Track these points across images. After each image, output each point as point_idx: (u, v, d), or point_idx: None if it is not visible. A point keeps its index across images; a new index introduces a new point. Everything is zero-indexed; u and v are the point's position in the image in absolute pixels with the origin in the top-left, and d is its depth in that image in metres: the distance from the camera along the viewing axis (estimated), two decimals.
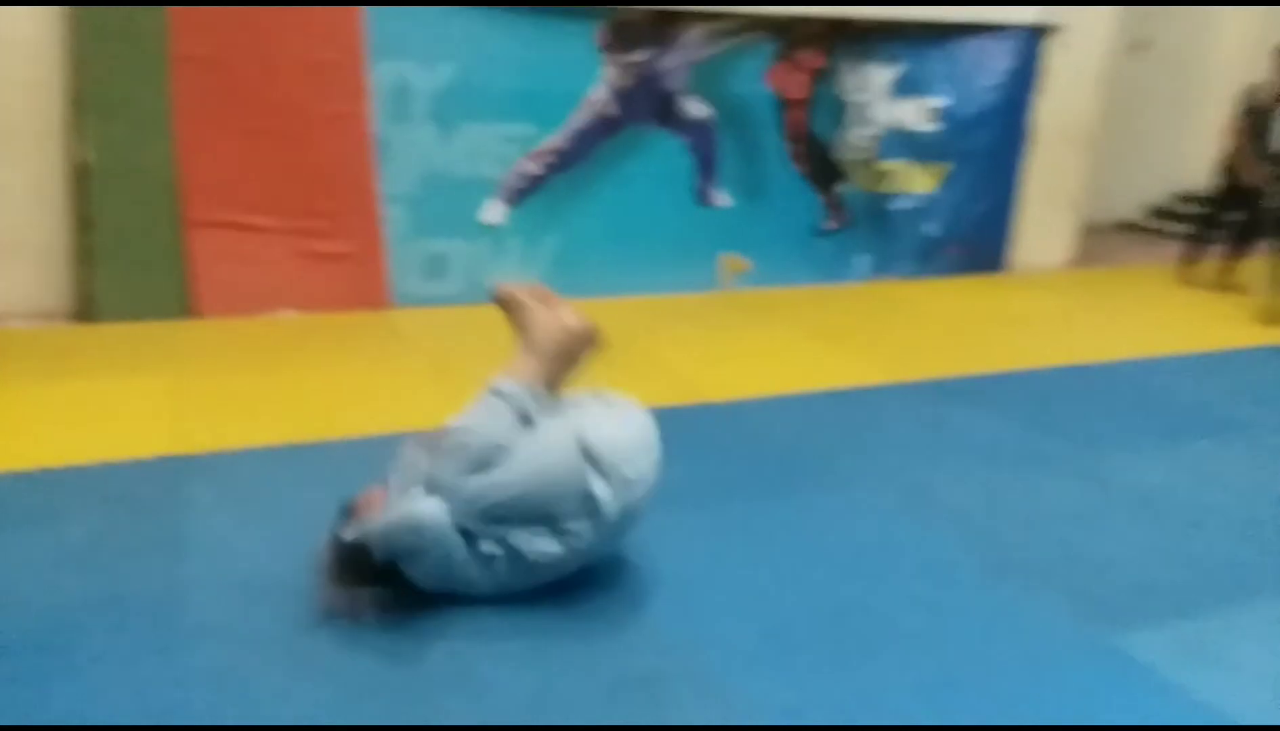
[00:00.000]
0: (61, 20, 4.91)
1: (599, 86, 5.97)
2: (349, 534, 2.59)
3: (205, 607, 2.62)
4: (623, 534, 2.69)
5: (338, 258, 5.54)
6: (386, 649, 2.47)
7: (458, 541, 2.54)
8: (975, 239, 7.18)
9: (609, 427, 2.61)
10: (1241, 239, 7.03)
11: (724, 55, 6.23)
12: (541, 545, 2.57)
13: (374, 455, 3.65)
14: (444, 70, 5.56)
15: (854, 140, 6.74)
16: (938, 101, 6.82)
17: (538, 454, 2.55)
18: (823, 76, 6.54)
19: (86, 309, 5.16)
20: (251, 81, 5.19)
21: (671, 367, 4.77)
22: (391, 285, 5.71)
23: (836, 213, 6.83)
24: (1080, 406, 4.53)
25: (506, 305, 2.83)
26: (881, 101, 6.72)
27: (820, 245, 6.82)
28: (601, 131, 6.04)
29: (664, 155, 6.26)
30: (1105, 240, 8.93)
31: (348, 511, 2.73)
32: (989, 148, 7.01)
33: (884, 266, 6.99)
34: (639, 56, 5.99)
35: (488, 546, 2.57)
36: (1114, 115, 8.72)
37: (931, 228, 7.02)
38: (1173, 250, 7.60)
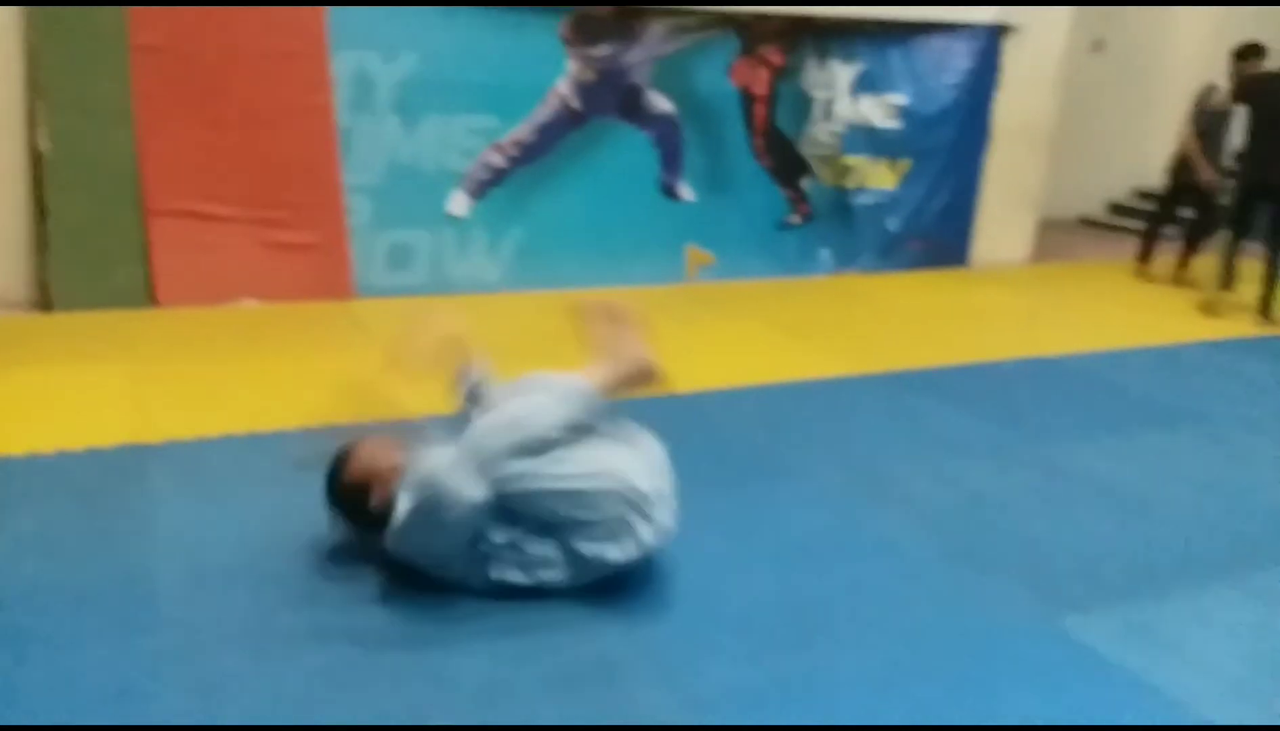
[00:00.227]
0: (18, 10, 4.84)
1: (563, 80, 5.98)
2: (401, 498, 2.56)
3: (165, 594, 2.62)
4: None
5: (300, 248, 5.52)
6: (346, 635, 2.48)
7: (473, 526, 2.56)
8: (937, 234, 7.28)
9: (651, 477, 2.67)
10: (1195, 236, 7.18)
11: (687, 50, 6.27)
12: (544, 550, 2.61)
13: (336, 445, 3.66)
14: (406, 61, 5.55)
15: (817, 136, 6.80)
16: (899, 99, 6.90)
17: (586, 474, 2.58)
18: (785, 73, 6.59)
19: (45, 298, 5.10)
20: (212, 71, 5.15)
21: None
22: (355, 276, 5.69)
23: (800, 207, 6.89)
24: (1036, 398, 4.61)
25: (599, 318, 2.83)
26: (844, 98, 6.78)
27: (784, 239, 6.88)
28: (566, 124, 6.05)
29: (628, 149, 6.28)
30: (1066, 236, 9.08)
31: (345, 456, 2.74)
32: (949, 145, 7.11)
33: (847, 260, 7.06)
34: (602, 51, 6.01)
35: (499, 536, 2.58)
36: (1075, 113, 8.87)
37: (894, 223, 7.11)
38: (1131, 246, 7.75)
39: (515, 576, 2.63)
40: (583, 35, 5.94)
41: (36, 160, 4.99)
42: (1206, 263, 6.82)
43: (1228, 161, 7.08)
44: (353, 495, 2.71)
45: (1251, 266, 6.29)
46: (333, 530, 2.81)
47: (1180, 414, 4.50)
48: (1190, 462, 3.92)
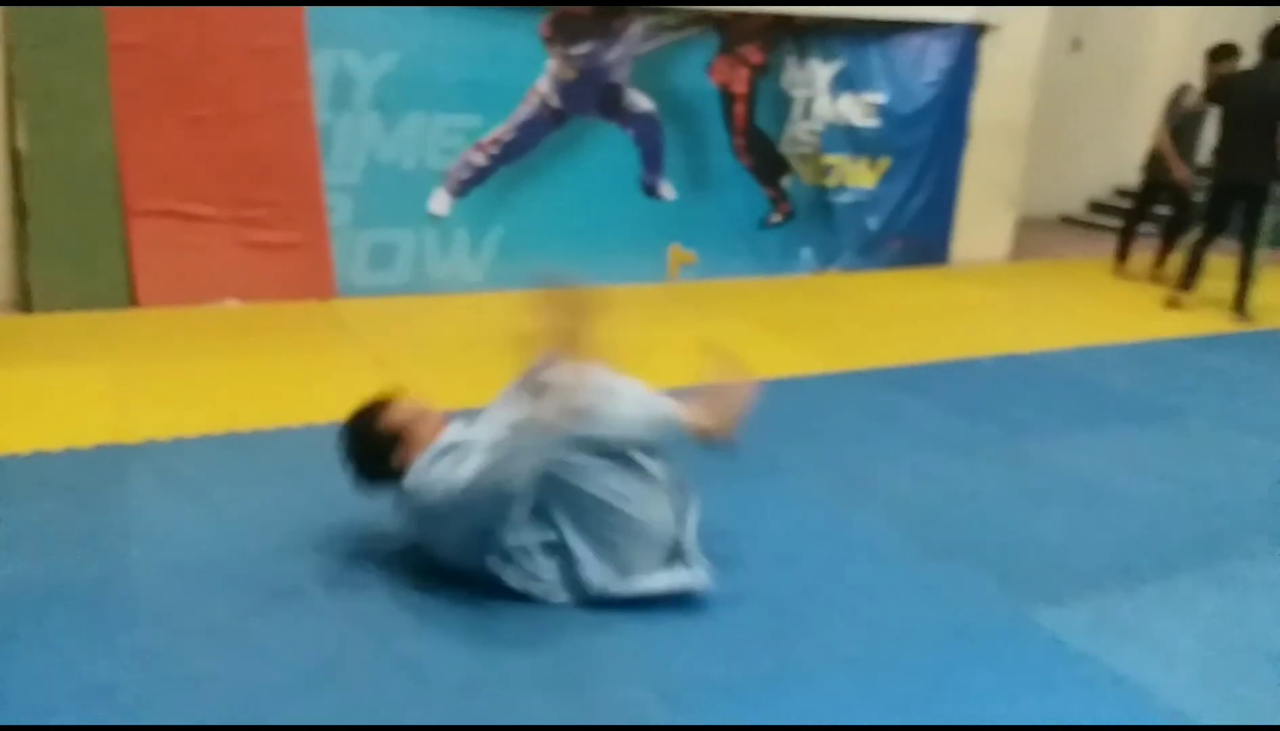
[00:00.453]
0: None
1: (543, 78, 5.99)
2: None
3: (144, 592, 2.63)
4: None
5: (281, 247, 5.52)
6: (325, 632, 2.50)
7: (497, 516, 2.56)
8: (917, 232, 7.32)
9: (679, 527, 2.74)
10: (1171, 233, 7.25)
11: (667, 49, 6.29)
12: (546, 568, 2.62)
13: (315, 443, 3.68)
14: (386, 59, 5.55)
15: (797, 135, 6.84)
16: (878, 97, 6.94)
17: (633, 499, 2.60)
18: (764, 71, 6.62)
19: (24, 299, 5.09)
20: (191, 69, 5.14)
21: (616, 358, 4.80)
22: (336, 275, 5.69)
23: (781, 206, 6.92)
24: (1013, 394, 4.65)
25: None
26: (823, 97, 6.82)
27: (765, 238, 6.91)
28: (546, 123, 6.06)
29: (609, 147, 6.30)
30: (1045, 234, 9.15)
31: (383, 404, 2.75)
32: (928, 143, 7.15)
33: (828, 259, 7.10)
34: (582, 49, 6.03)
35: (510, 538, 2.59)
36: (1055, 112, 8.94)
37: (874, 221, 7.15)
38: (1110, 244, 7.81)
39: (508, 576, 2.64)
40: (562, 34, 5.96)
41: (15, 160, 4.97)
42: (1182, 260, 6.87)
43: (1202, 159, 7.14)
44: (380, 442, 2.70)
45: (1225, 263, 6.36)
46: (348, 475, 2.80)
47: (1154, 409, 4.55)
48: (1163, 457, 3.97)
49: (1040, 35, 7.48)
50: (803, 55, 6.72)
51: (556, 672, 2.39)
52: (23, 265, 5.07)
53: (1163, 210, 7.41)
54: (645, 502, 2.63)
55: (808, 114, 6.83)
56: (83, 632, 2.43)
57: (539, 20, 5.89)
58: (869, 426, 4.17)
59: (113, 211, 5.17)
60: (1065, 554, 3.11)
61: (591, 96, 6.16)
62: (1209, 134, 6.70)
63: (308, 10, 5.32)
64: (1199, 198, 6.80)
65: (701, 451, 2.79)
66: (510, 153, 6.03)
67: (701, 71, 6.45)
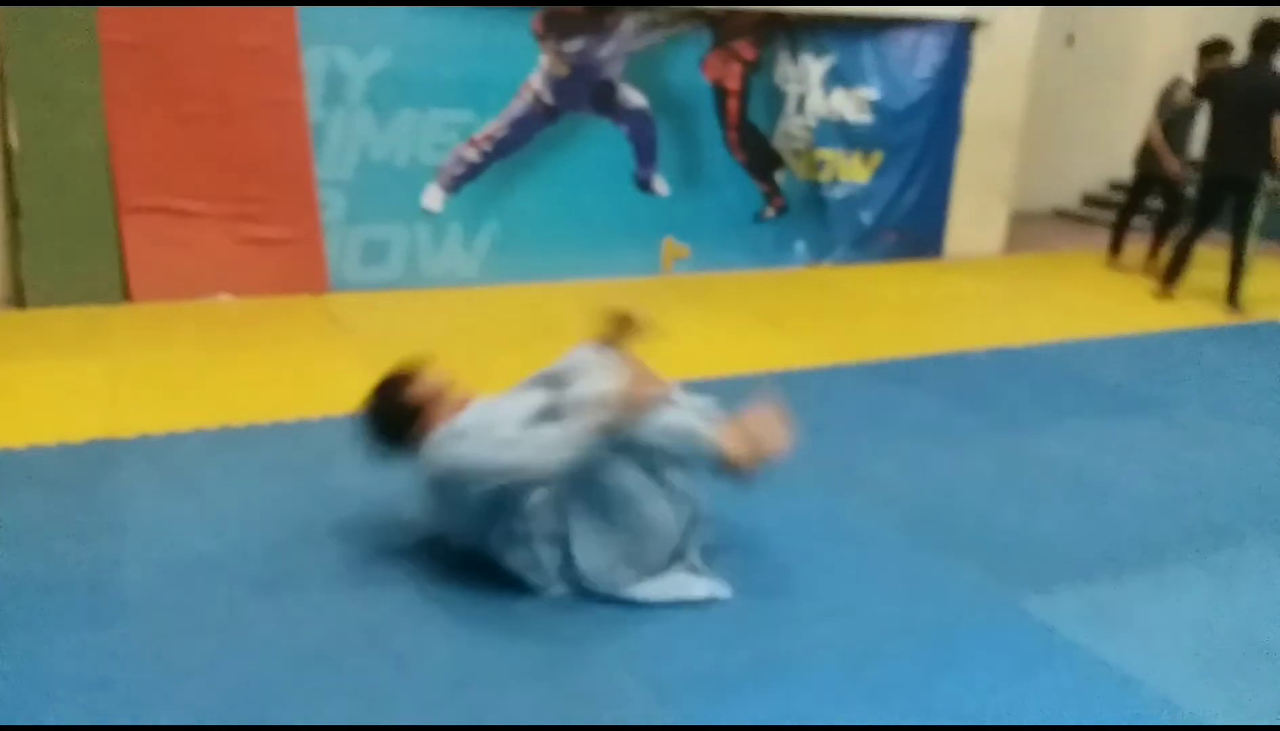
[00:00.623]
0: None
1: (536, 74, 5.99)
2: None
3: (137, 585, 2.64)
4: None
5: (274, 243, 5.52)
6: (314, 624, 2.51)
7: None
8: (910, 226, 7.34)
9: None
10: (1163, 227, 7.27)
11: (660, 45, 6.29)
12: (548, 557, 2.64)
13: (308, 438, 3.70)
14: (378, 55, 5.55)
15: (790, 129, 6.84)
16: (870, 93, 6.95)
17: (660, 497, 2.64)
18: (757, 67, 6.63)
19: (17, 295, 5.10)
20: (183, 66, 5.14)
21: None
22: (329, 270, 5.69)
23: (775, 200, 6.93)
24: (1006, 386, 4.67)
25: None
26: (816, 92, 6.82)
27: (759, 232, 6.92)
28: (540, 119, 6.07)
29: (603, 143, 6.31)
30: (1040, 227, 9.18)
31: (412, 372, 2.76)
32: (921, 138, 7.17)
33: (822, 252, 7.11)
34: (575, 45, 6.03)
35: (518, 525, 2.61)
36: (1049, 106, 8.97)
37: (867, 215, 7.16)
38: (1103, 237, 7.83)
39: (509, 559, 2.66)
40: (555, 30, 5.96)
41: (8, 157, 4.97)
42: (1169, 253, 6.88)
43: (1194, 153, 7.16)
44: (401, 413, 2.72)
45: (1217, 255, 6.38)
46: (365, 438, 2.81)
47: (1145, 401, 4.57)
48: (1153, 448, 3.98)
49: (1033, 31, 7.48)
50: (795, 51, 6.72)
51: (545, 665, 2.40)
52: (16, 262, 5.07)
53: (1155, 203, 7.43)
54: (658, 503, 2.63)
55: (801, 109, 6.83)
56: (76, 625, 2.44)
57: (531, 16, 5.89)
58: (861, 419, 4.18)
59: (105, 208, 5.17)
60: (1055, 543, 3.12)
61: (584, 92, 6.16)
62: (1201, 128, 6.72)
63: (299, 7, 5.32)
64: (1191, 191, 6.82)
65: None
66: (503, 148, 6.04)
67: (694, 67, 6.46)
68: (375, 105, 5.63)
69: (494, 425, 2.63)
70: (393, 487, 3.28)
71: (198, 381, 4.20)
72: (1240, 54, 6.48)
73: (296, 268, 5.59)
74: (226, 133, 5.30)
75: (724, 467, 2.67)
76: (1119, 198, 8.57)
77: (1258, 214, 6.14)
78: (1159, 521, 3.33)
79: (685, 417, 2.68)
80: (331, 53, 5.47)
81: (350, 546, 2.90)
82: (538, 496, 2.59)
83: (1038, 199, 9.84)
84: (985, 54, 7.23)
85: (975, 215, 7.64)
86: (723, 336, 5.29)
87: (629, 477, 2.60)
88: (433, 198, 5.92)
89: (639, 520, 2.61)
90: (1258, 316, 6.15)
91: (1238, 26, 7.54)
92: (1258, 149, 6.00)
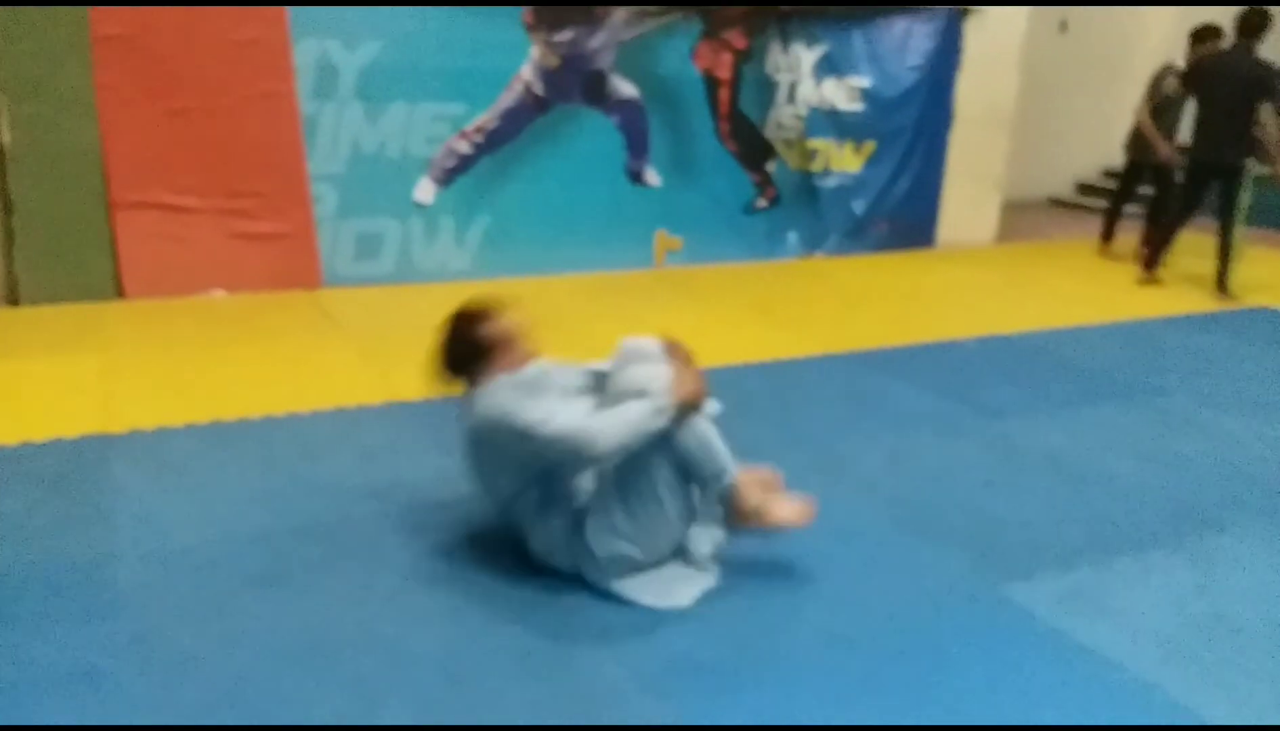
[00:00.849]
0: None
1: (527, 65, 6.00)
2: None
3: (127, 578, 2.67)
4: None
5: (267, 238, 5.54)
6: (306, 616, 2.53)
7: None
8: (902, 215, 7.35)
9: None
10: (1154, 214, 7.27)
11: (650, 35, 6.30)
12: (560, 534, 2.68)
13: (299, 431, 3.72)
14: (368, 48, 5.56)
15: (782, 119, 6.85)
16: (862, 81, 6.95)
17: (680, 502, 2.69)
18: (748, 56, 6.64)
19: (11, 292, 5.11)
20: (174, 61, 5.16)
21: (604, 344, 4.84)
22: (322, 265, 5.71)
23: (766, 191, 6.95)
24: (994, 375, 4.69)
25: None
26: (807, 81, 6.83)
27: (751, 222, 6.93)
28: (530, 110, 6.08)
29: (594, 134, 6.32)
30: (1034, 216, 9.19)
31: (497, 308, 2.76)
32: (913, 127, 7.18)
33: (814, 243, 7.13)
34: (565, 36, 6.04)
35: (535, 492, 2.66)
36: (1042, 94, 8.97)
37: (859, 205, 7.17)
38: (1096, 225, 7.84)
39: (525, 525, 2.71)
40: (545, 21, 5.96)
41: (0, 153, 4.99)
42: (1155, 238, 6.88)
43: (1184, 139, 7.16)
44: (472, 347, 2.73)
45: (1206, 242, 6.39)
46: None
47: (1133, 388, 4.59)
48: (1139, 435, 4.01)
49: (1024, 17, 7.48)
50: (786, 40, 6.73)
51: (534, 654, 2.42)
52: (9, 259, 5.08)
53: (1147, 190, 7.43)
54: (676, 505, 2.66)
55: (792, 98, 6.84)
56: (67, 618, 2.47)
57: (521, 8, 5.89)
58: (850, 408, 4.21)
59: (98, 204, 5.19)
60: (1039, 531, 3.15)
61: (575, 83, 6.17)
62: (1192, 114, 6.72)
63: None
64: (1181, 177, 6.82)
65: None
66: (495, 141, 6.05)
67: (685, 57, 6.46)
68: (366, 98, 5.64)
69: (553, 389, 2.67)
70: (384, 480, 3.32)
71: (190, 377, 4.22)
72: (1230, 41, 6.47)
73: (289, 263, 5.61)
74: (218, 127, 5.31)
75: (731, 510, 2.72)
76: (1112, 185, 8.57)
77: (1244, 199, 6.15)
78: (1142, 508, 3.35)
79: (720, 444, 2.70)
80: (322, 46, 5.47)
81: (341, 539, 2.92)
82: (581, 476, 2.62)
83: (1032, 187, 9.85)
84: (977, 41, 7.23)
85: (967, 204, 7.65)
86: (715, 328, 5.30)
87: (661, 475, 2.62)
88: (424, 191, 5.94)
89: (657, 516, 2.64)
90: (1248, 302, 6.17)
91: (1230, 12, 7.53)
92: (1242, 135, 6.02)
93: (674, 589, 2.68)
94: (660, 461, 2.61)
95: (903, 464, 3.64)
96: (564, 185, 6.28)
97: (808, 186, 7.04)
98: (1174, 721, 2.27)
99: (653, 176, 6.56)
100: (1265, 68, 5.99)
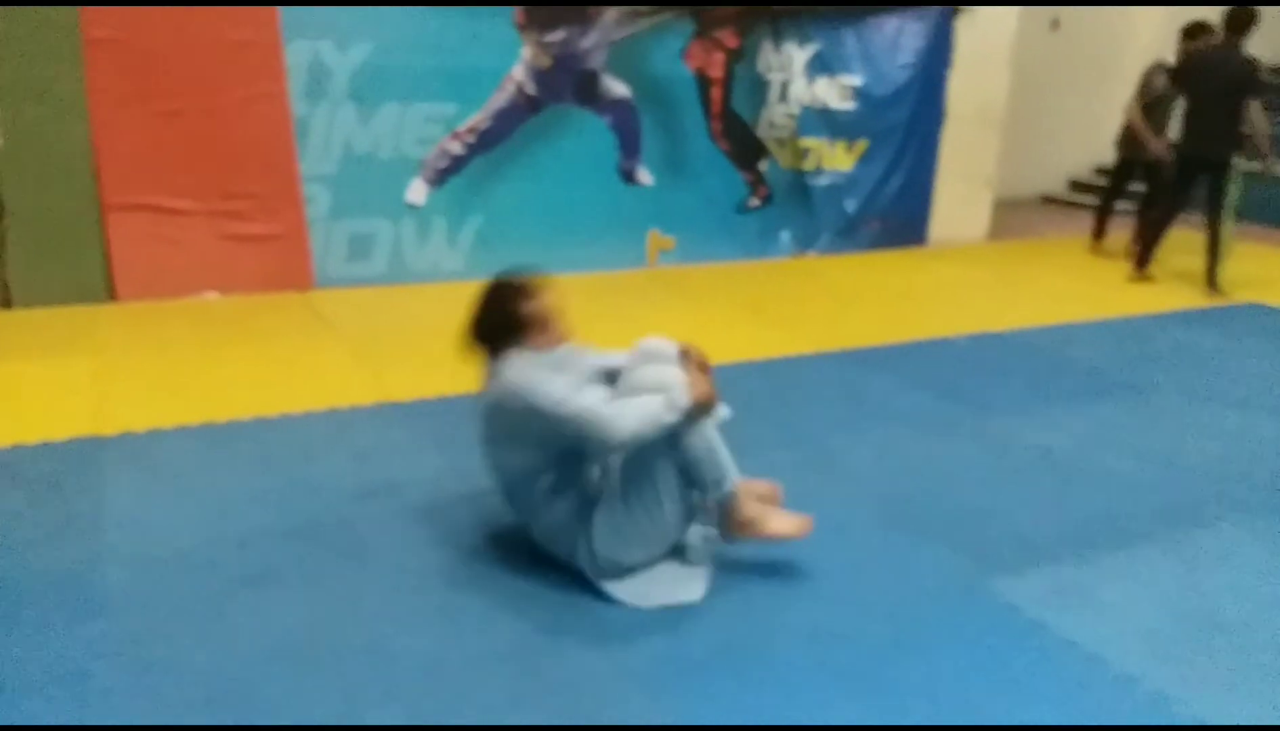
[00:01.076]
0: None
1: (518, 66, 6.01)
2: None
3: (116, 579, 2.67)
4: None
5: (259, 239, 5.54)
6: (292, 615, 2.54)
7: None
8: (894, 214, 7.37)
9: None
10: (1147, 210, 7.29)
11: (642, 35, 6.31)
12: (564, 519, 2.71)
13: (291, 433, 3.73)
14: (360, 49, 5.57)
15: (774, 118, 6.87)
16: (853, 80, 6.97)
17: (679, 502, 2.71)
18: (740, 55, 6.65)
19: (3, 295, 5.12)
20: (166, 63, 5.16)
21: (598, 343, 4.85)
22: (314, 266, 5.72)
23: (759, 190, 6.96)
24: (985, 372, 4.71)
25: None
26: (799, 80, 6.85)
27: (744, 222, 6.95)
28: (523, 110, 6.09)
29: (587, 134, 6.33)
30: (1026, 213, 9.21)
31: (541, 283, 2.76)
32: (905, 125, 7.19)
33: (807, 242, 7.14)
34: (557, 36, 6.05)
35: (546, 480, 2.69)
36: (1035, 91, 8.98)
37: (851, 203, 7.19)
38: (1089, 222, 7.86)
39: (528, 509, 2.73)
40: (537, 21, 5.97)
41: None
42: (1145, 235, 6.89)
43: (1175, 135, 7.18)
44: (513, 317, 2.71)
45: (1197, 238, 6.41)
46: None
47: (1122, 385, 4.61)
48: (1128, 431, 4.02)
49: (1015, 16, 7.50)
50: (778, 39, 6.74)
51: (518, 650, 2.44)
52: (1, 261, 5.08)
53: (1139, 187, 7.45)
54: (677, 507, 2.68)
55: (784, 97, 6.86)
56: (55, 621, 2.48)
57: (513, 8, 5.90)
58: (841, 405, 4.22)
59: (90, 206, 5.20)
60: (1026, 526, 3.16)
61: (567, 83, 6.18)
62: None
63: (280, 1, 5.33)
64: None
65: None
66: (487, 141, 6.06)
67: (677, 57, 6.48)
68: (358, 99, 5.65)
69: (576, 373, 2.69)
70: (376, 481, 3.33)
71: (182, 379, 4.23)
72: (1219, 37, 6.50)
73: (282, 264, 5.61)
74: (210, 129, 5.32)
75: (727, 518, 2.74)
76: (1105, 182, 8.59)
77: (1232, 195, 6.17)
78: (1130, 503, 3.37)
79: (725, 453, 2.71)
80: (314, 47, 5.48)
81: (332, 540, 2.93)
82: (592, 467, 2.63)
83: (1025, 185, 9.87)
84: (968, 39, 7.25)
85: (959, 202, 7.67)
86: (709, 327, 5.31)
87: (665, 477, 2.63)
88: (417, 191, 5.95)
89: (656, 518, 2.65)
90: (1237, 298, 6.19)
91: (1220, 10, 7.56)
92: (1229, 131, 6.05)
93: (671, 589, 2.70)
94: (665, 464, 2.62)
95: (893, 460, 3.65)
96: (556, 185, 6.29)
97: (800, 185, 7.06)
98: (1153, 716, 2.28)
99: (645, 176, 6.57)
100: (1252, 64, 6.01)
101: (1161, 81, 6.78)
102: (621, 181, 6.52)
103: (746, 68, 6.69)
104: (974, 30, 7.24)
